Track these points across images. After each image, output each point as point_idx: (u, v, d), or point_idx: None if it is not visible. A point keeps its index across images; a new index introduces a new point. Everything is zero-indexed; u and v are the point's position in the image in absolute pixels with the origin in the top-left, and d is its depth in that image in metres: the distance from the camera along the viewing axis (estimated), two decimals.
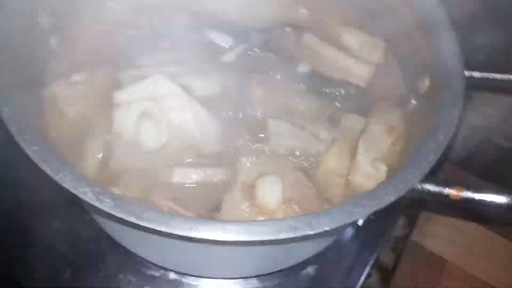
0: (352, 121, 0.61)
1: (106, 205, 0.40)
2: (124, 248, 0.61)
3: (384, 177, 0.54)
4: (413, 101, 0.61)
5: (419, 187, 0.45)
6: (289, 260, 0.61)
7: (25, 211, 0.65)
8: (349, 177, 0.57)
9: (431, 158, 0.46)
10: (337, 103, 0.63)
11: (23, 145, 0.43)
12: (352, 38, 0.69)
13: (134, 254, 0.61)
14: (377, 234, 0.76)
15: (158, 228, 0.40)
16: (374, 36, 0.69)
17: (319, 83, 0.64)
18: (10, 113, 0.46)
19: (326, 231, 0.41)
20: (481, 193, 0.43)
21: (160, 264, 0.62)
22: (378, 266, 0.97)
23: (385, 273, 0.96)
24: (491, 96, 0.86)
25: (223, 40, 0.65)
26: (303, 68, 0.65)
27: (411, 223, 1.02)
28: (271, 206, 0.53)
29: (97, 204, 0.40)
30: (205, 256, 0.55)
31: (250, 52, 0.65)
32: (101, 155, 0.55)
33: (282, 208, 0.52)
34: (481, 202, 0.43)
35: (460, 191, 0.44)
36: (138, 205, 0.41)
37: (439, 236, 1.00)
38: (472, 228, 1.00)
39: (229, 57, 0.64)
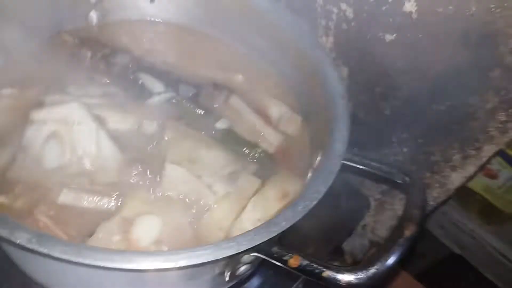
0: (249, 182, 0.64)
1: None
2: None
3: None
4: (310, 174, 0.65)
5: (265, 248, 0.48)
6: None
7: None
8: (230, 234, 0.60)
9: (283, 225, 0.49)
10: (241, 163, 0.67)
11: None
12: (275, 109, 0.75)
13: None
14: None
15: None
16: (294, 111, 0.74)
17: (231, 141, 0.69)
18: None
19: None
20: (314, 264, 0.46)
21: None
22: None
23: None
24: None
25: (154, 85, 0.71)
26: (221, 124, 0.70)
27: None
28: (142, 243, 0.56)
29: None
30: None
31: (174, 101, 0.70)
32: (3, 164, 0.59)
33: (152, 248, 0.55)
34: (312, 273, 0.46)
35: (298, 260, 0.47)
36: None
37: None
38: None
39: (153, 101, 0.69)
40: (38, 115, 0.61)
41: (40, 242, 0.43)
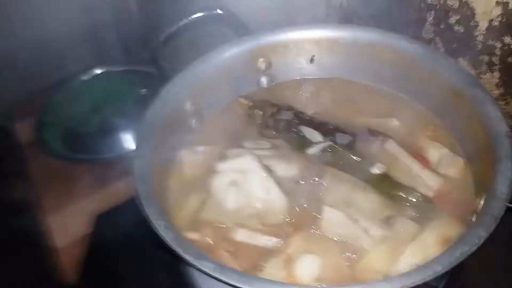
0: (407, 227, 0.65)
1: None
2: None
3: None
4: (473, 219, 0.62)
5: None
6: None
7: None
8: (387, 277, 0.61)
9: (438, 269, 0.49)
10: (397, 208, 0.68)
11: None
12: (434, 151, 0.74)
13: None
14: None
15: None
16: (455, 153, 0.72)
17: (387, 185, 0.71)
18: (141, 165, 0.69)
19: None
20: None
21: None
22: None
23: None
24: None
25: (313, 136, 0.79)
26: (377, 169, 0.73)
27: None
28: (304, 280, 0.62)
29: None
30: None
31: (332, 149, 0.77)
32: (195, 207, 0.74)
33: (312, 285, 0.61)
34: None
35: None
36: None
37: None
38: None
39: (313, 150, 0.77)
40: (222, 166, 0.75)
41: (221, 272, 0.53)
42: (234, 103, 0.90)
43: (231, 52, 0.87)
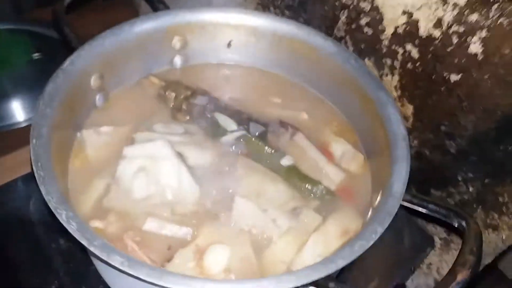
0: (311, 217, 0.69)
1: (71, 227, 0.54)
2: None
3: None
4: (370, 213, 0.68)
5: (323, 283, 0.53)
6: None
7: None
8: (291, 266, 0.65)
9: (340, 263, 0.53)
10: (303, 199, 0.72)
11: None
12: (337, 146, 0.79)
13: None
14: None
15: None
16: (357, 149, 0.78)
17: (295, 177, 0.74)
18: (39, 146, 0.62)
19: None
20: None
21: None
22: None
23: None
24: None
25: (228, 124, 0.79)
26: (286, 161, 0.76)
27: None
28: (212, 271, 0.62)
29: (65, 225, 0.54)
30: None
31: (245, 138, 0.77)
32: (99, 193, 0.69)
33: (221, 275, 0.62)
34: None
35: None
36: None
37: None
38: None
39: (227, 139, 0.77)
40: (130, 151, 0.71)
41: (130, 266, 0.51)
42: (144, 81, 0.85)
43: (145, 26, 0.81)
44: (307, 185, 0.73)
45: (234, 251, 0.64)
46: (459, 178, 0.86)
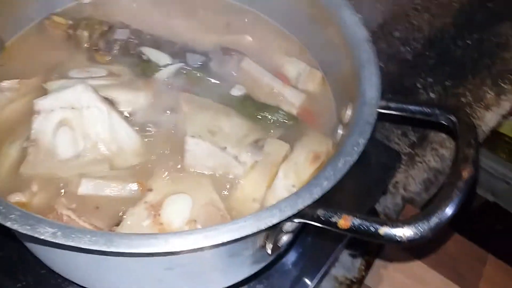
0: (276, 147, 0.60)
1: None
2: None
3: None
4: (340, 131, 0.61)
5: (309, 212, 0.44)
6: None
7: None
8: (265, 204, 0.56)
9: (325, 184, 0.45)
10: (264, 129, 0.62)
11: None
12: (290, 67, 0.69)
13: None
14: (313, 266, 0.73)
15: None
16: (313, 66, 0.69)
17: (250, 107, 0.64)
18: None
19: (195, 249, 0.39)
20: (367, 222, 0.42)
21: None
22: None
23: None
24: (446, 137, 0.85)
25: (159, 58, 0.66)
26: (237, 91, 0.65)
27: (367, 266, 0.98)
28: (174, 225, 0.51)
29: None
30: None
31: (184, 72, 0.65)
32: (13, 160, 0.55)
33: (185, 228, 0.51)
34: (366, 232, 0.41)
35: (348, 220, 0.42)
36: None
37: (394, 283, 0.96)
38: (431, 276, 0.96)
39: (162, 74, 0.65)
40: (43, 104, 0.57)
41: (65, 235, 0.39)
42: (47, 23, 0.69)
43: None
44: (265, 114, 0.64)
45: (196, 199, 0.54)
46: (419, 86, 0.81)
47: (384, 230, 0.40)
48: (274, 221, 0.42)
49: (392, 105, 0.54)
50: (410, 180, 0.95)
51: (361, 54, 0.59)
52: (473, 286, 0.93)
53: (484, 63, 0.71)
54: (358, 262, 0.91)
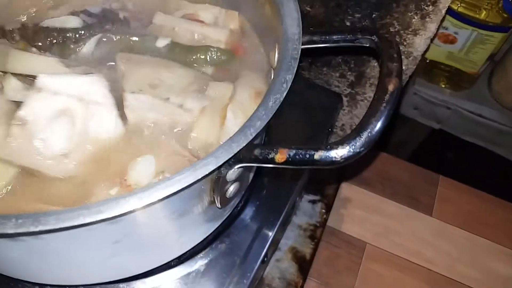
0: (220, 89, 0.59)
1: None
2: None
3: None
4: (272, 73, 0.60)
5: (247, 154, 0.43)
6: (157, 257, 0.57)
7: None
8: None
9: (258, 125, 0.44)
10: (204, 75, 0.61)
11: None
12: (205, 13, 0.67)
13: None
14: (271, 217, 0.73)
15: None
16: (228, 9, 0.68)
17: (181, 53, 0.62)
18: None
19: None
20: (302, 151, 0.41)
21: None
22: (296, 257, 0.95)
23: (303, 263, 0.94)
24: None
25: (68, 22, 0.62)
26: (162, 41, 0.63)
27: (327, 209, 1.00)
28: (144, 183, 0.50)
29: None
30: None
31: (104, 39, 0.62)
32: None
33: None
34: (302, 160, 0.41)
35: (283, 153, 0.42)
36: None
37: (356, 219, 0.99)
38: (388, 206, 0.99)
39: (87, 49, 0.61)
40: (49, 83, 0.51)
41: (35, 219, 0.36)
42: None
43: None
44: (199, 55, 0.62)
45: (157, 154, 0.52)
46: (348, 23, 0.81)
47: (319, 154, 0.40)
48: (211, 167, 0.41)
49: (316, 38, 0.53)
50: (355, 119, 0.97)
51: None
52: (428, 207, 0.98)
53: None
54: (318, 207, 0.93)
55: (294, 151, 0.41)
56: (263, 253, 0.69)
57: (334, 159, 0.40)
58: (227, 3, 0.68)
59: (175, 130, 0.55)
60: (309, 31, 0.54)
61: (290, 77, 0.48)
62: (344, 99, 0.94)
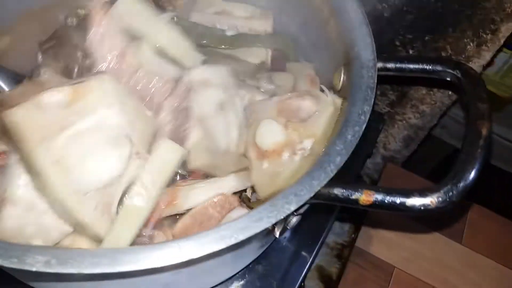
0: (284, 78, 0.60)
1: None
2: None
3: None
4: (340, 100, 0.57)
5: (326, 192, 0.40)
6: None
7: None
8: None
9: (338, 160, 0.41)
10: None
11: None
12: (240, 10, 0.67)
13: None
14: (309, 240, 0.70)
15: None
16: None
17: (245, 41, 0.63)
18: None
19: (214, 253, 0.35)
20: (392, 196, 0.39)
21: None
22: (322, 276, 0.93)
23: (329, 283, 0.91)
24: (426, 93, 0.83)
25: None
26: (230, 31, 0.64)
27: (356, 229, 0.98)
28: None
29: None
30: None
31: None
32: None
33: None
34: (392, 205, 0.38)
35: (370, 195, 0.39)
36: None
37: (385, 241, 0.96)
38: (419, 231, 0.97)
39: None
40: (199, 74, 0.50)
41: (62, 262, 0.32)
42: None
43: None
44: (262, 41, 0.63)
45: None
46: (397, 43, 0.78)
47: (412, 201, 0.38)
48: (292, 208, 0.38)
49: (390, 65, 0.51)
50: (390, 138, 0.94)
51: (350, 13, 0.54)
52: (458, 234, 0.95)
53: (465, 14, 0.69)
54: (347, 226, 0.90)
55: (382, 195, 0.39)
56: (301, 278, 0.67)
57: (428, 207, 0.37)
58: (283, 10, 0.66)
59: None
60: (382, 57, 0.51)
61: (368, 109, 0.45)
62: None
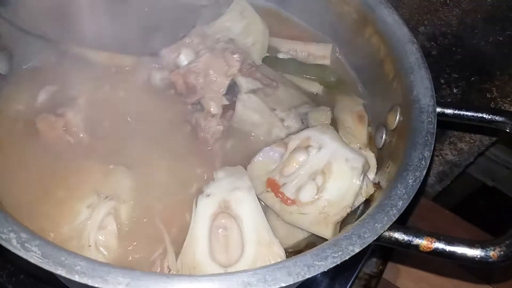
0: (319, 115, 0.60)
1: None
2: None
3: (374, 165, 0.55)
4: (384, 136, 0.58)
5: (387, 235, 0.41)
6: None
7: None
8: None
9: (400, 205, 0.42)
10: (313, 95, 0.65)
11: None
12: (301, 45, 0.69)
13: None
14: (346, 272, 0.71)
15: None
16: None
17: (296, 66, 0.66)
18: None
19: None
20: (453, 245, 0.39)
21: None
22: None
23: None
24: (465, 131, 0.84)
25: None
26: (283, 54, 0.67)
27: (384, 261, 0.97)
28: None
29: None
30: None
31: None
32: None
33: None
34: (452, 255, 0.39)
35: (431, 242, 0.40)
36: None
37: (412, 275, 0.96)
38: (446, 267, 0.97)
39: None
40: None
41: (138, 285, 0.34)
42: None
43: None
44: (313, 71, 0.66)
45: None
46: (442, 81, 0.79)
47: (474, 252, 0.38)
48: (356, 249, 0.39)
49: (448, 111, 0.52)
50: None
51: (407, 56, 0.56)
52: (487, 274, 0.95)
53: None
54: (375, 257, 0.90)
55: (443, 244, 0.39)
56: None
57: (489, 260, 0.38)
58: (340, 48, 0.69)
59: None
60: (440, 102, 0.52)
61: (428, 154, 0.46)
62: None
